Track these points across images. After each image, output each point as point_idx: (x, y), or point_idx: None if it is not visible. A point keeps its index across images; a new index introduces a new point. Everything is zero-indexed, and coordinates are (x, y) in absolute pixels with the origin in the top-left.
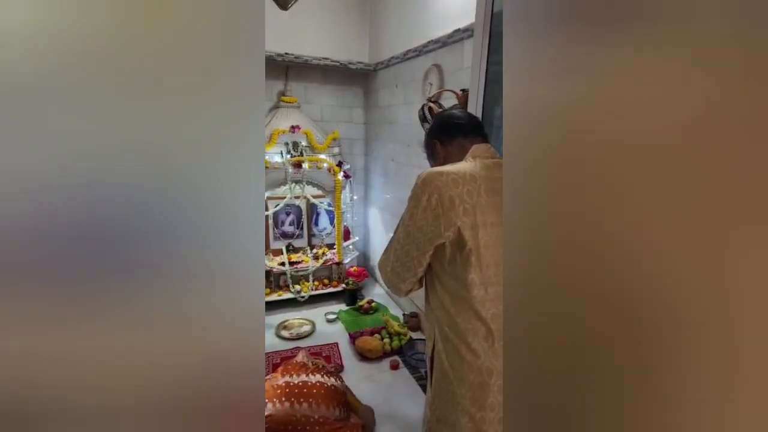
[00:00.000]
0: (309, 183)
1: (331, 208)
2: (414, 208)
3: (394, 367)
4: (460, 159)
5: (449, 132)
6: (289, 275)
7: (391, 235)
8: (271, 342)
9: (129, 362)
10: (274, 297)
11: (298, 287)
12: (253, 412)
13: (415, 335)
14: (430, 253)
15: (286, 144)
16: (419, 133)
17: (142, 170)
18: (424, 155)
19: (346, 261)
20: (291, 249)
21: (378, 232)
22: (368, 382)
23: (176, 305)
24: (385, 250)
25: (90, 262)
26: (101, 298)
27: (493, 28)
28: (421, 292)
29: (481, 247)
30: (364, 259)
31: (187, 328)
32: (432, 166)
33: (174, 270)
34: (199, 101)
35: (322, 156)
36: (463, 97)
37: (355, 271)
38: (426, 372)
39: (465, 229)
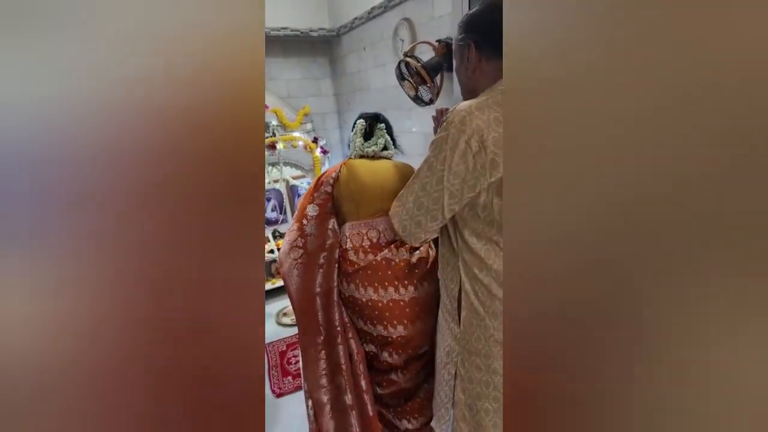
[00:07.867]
0: (286, 164)
1: None
2: (449, 151)
3: None
4: (488, 85)
5: (496, 41)
6: None
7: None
8: (274, 330)
9: None
10: (269, 286)
11: None
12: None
13: None
14: (467, 201)
15: None
16: (395, 95)
17: None
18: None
19: None
20: (277, 235)
21: None
22: None
23: None
24: (398, 197)
25: None
26: None
27: None
28: None
29: None
30: None
31: None
32: (456, 74)
33: None
34: None
35: (296, 134)
36: (441, 48)
37: None
38: (446, 318)
39: None
